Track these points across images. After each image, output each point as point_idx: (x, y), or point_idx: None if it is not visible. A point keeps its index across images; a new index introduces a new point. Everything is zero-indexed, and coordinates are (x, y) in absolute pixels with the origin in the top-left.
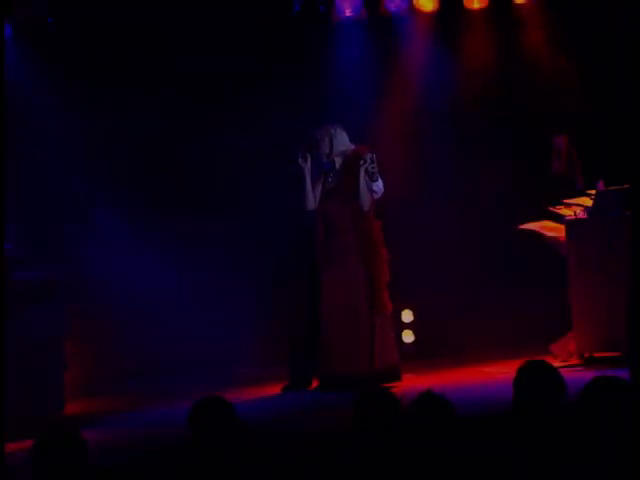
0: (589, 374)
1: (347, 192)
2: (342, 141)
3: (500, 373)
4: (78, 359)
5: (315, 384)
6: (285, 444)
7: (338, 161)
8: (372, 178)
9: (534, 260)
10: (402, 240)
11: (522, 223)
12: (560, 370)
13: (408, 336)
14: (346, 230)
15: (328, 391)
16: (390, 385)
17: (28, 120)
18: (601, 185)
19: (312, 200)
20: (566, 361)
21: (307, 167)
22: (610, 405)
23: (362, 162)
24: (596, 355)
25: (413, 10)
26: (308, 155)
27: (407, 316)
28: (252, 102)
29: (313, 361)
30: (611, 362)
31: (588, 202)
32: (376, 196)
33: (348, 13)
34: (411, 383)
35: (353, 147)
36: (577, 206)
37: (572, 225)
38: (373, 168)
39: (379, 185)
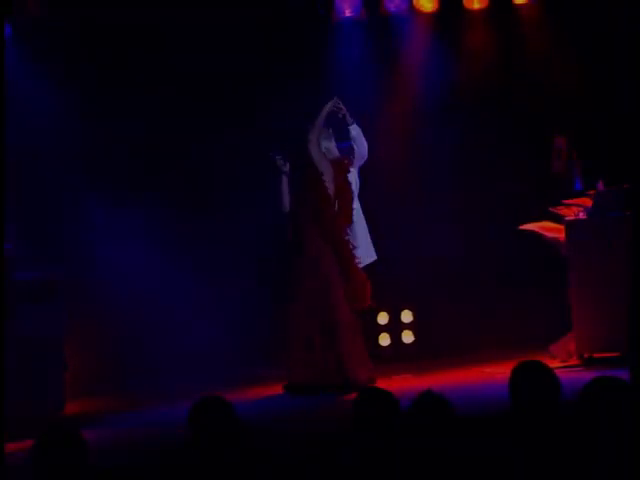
0: (589, 374)
1: (316, 207)
2: (325, 146)
3: (500, 373)
4: (78, 359)
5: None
6: (285, 444)
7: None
8: (347, 121)
9: (534, 260)
10: (402, 240)
11: (522, 223)
12: (559, 370)
13: (408, 336)
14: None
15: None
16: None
17: (28, 120)
18: (601, 185)
19: (287, 202)
20: (566, 361)
21: (285, 169)
22: (610, 405)
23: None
24: (596, 355)
25: (413, 10)
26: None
27: (407, 316)
28: (252, 102)
29: None
30: (611, 362)
31: (588, 202)
32: (358, 154)
33: (348, 13)
34: (411, 383)
35: (333, 157)
36: (577, 206)
37: (572, 225)
38: (341, 109)
39: (357, 130)
